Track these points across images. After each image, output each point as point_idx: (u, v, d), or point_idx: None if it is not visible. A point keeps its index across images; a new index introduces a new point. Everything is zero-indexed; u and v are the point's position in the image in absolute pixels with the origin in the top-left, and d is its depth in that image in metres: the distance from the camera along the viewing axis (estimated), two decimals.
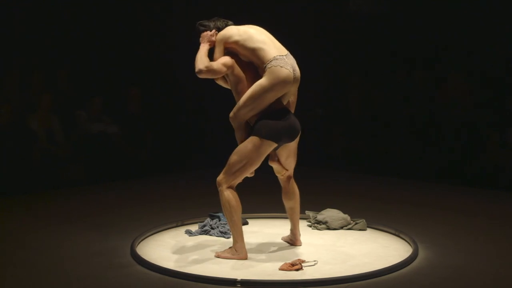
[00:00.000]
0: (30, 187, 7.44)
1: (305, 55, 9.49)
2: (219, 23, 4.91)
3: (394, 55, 9.47)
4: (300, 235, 5.26)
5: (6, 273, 4.57)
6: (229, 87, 4.94)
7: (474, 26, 8.84)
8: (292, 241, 5.25)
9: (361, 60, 9.75)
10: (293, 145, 4.96)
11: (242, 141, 4.81)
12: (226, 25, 4.90)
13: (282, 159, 4.99)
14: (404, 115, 8.82)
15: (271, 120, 4.70)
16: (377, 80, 9.50)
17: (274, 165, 5.01)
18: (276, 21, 9.56)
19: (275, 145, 4.75)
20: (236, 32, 4.79)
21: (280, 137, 4.73)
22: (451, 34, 9.03)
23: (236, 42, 4.76)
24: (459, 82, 8.58)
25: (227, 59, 4.78)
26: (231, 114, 4.79)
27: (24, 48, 8.64)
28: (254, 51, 4.70)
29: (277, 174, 5.07)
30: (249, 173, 4.79)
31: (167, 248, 5.13)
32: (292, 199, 5.13)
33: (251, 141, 4.70)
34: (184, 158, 9.09)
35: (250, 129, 4.79)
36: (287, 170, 5.02)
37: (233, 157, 4.73)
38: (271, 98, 4.69)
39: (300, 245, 5.21)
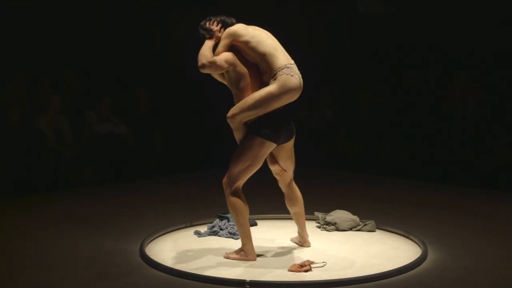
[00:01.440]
0: (39, 188, 7.45)
1: (313, 56, 9.58)
2: (226, 19, 4.88)
3: (400, 55, 9.48)
4: (308, 236, 5.26)
5: (15, 274, 4.59)
6: (225, 82, 4.92)
7: (482, 25, 8.83)
8: (301, 242, 5.25)
9: (368, 60, 9.76)
10: (290, 146, 4.96)
11: (241, 140, 4.81)
12: (232, 22, 4.89)
13: (282, 162, 4.97)
14: (411, 115, 8.81)
15: (270, 121, 4.71)
16: (383, 81, 9.50)
17: (274, 167, 5.01)
18: (284, 21, 9.60)
19: (275, 145, 4.77)
20: (247, 32, 4.77)
21: (280, 138, 4.76)
22: (458, 33, 9.03)
23: (246, 43, 4.75)
24: (466, 83, 8.57)
25: (229, 56, 4.76)
26: (230, 114, 4.76)
27: (33, 49, 8.67)
28: (264, 56, 4.70)
29: (276, 176, 5.05)
30: (253, 173, 4.79)
31: (176, 249, 5.13)
32: (296, 204, 5.13)
33: (253, 142, 4.70)
34: (192, 158, 9.08)
35: (247, 128, 4.78)
36: (285, 170, 5.01)
37: (236, 158, 4.74)
38: (277, 105, 4.70)
39: (309, 246, 5.21)
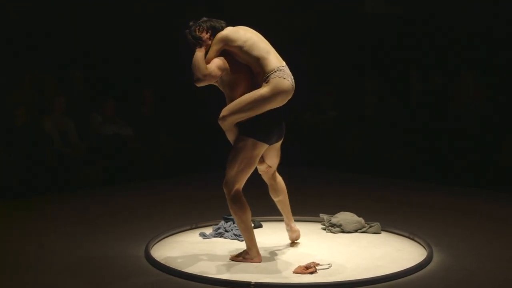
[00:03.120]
0: (43, 189, 7.46)
1: (316, 57, 9.57)
2: (216, 24, 4.82)
3: (404, 55, 9.47)
4: (295, 224, 5.33)
5: (17, 275, 4.61)
6: (216, 84, 4.90)
7: (487, 24, 8.81)
8: (290, 232, 5.31)
9: (373, 62, 9.75)
10: (278, 146, 4.99)
11: (234, 142, 4.83)
12: (222, 26, 4.83)
13: (268, 160, 5.00)
14: (416, 115, 8.79)
15: (262, 122, 4.72)
16: (387, 81, 9.49)
17: (260, 166, 5.03)
18: (289, 22, 9.61)
19: (267, 146, 4.80)
20: (238, 36, 4.74)
21: (272, 138, 4.80)
22: (464, 33, 9.01)
23: (240, 48, 4.73)
24: (471, 83, 8.55)
25: (220, 62, 4.73)
26: (220, 116, 4.76)
27: (38, 50, 8.68)
28: (258, 60, 4.69)
29: (261, 172, 5.11)
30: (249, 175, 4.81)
31: (181, 251, 5.14)
32: (280, 194, 5.22)
33: (245, 143, 4.72)
34: (196, 159, 9.07)
35: (239, 129, 4.78)
36: (271, 167, 5.06)
37: (231, 161, 4.76)
38: (268, 107, 4.71)
39: (297, 233, 5.30)
